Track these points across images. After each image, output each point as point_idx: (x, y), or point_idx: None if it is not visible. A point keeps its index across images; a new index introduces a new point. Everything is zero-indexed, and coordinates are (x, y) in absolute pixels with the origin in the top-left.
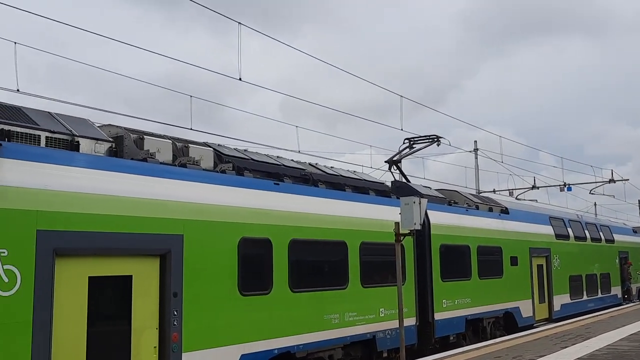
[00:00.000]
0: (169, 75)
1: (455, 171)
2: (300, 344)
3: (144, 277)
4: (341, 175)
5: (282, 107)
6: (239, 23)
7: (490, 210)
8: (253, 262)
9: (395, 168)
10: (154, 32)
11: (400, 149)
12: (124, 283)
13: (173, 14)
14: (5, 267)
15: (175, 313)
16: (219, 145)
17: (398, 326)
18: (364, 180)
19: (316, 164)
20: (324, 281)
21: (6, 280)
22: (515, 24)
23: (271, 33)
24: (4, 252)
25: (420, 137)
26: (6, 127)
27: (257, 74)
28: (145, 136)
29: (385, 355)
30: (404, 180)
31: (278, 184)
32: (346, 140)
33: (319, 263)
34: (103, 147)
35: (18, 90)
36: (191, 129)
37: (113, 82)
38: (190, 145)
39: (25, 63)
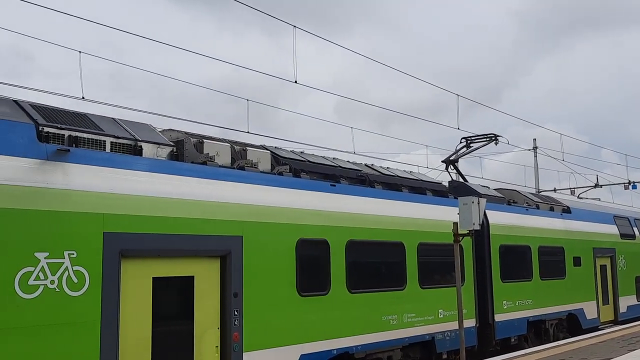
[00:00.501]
0: (223, 79)
1: (513, 170)
2: (359, 345)
3: (205, 277)
4: (397, 176)
5: (336, 108)
6: (294, 26)
7: (552, 209)
8: (311, 263)
9: (452, 168)
10: (207, 36)
11: (457, 148)
12: (186, 283)
13: (225, 17)
14: (75, 268)
15: (236, 313)
16: (275, 147)
17: (457, 327)
18: (421, 180)
19: (372, 164)
20: (382, 282)
21: (75, 280)
22: (569, 19)
23: (322, 34)
24: (73, 254)
25: (478, 136)
26: (74, 134)
27: (311, 76)
28: (204, 140)
29: (444, 356)
30: (461, 180)
31: (334, 185)
32: (400, 141)
33: (376, 264)
34: (165, 151)
35: (83, 97)
36: (248, 132)
37: (170, 87)
38: (248, 148)
39: (89, 71)
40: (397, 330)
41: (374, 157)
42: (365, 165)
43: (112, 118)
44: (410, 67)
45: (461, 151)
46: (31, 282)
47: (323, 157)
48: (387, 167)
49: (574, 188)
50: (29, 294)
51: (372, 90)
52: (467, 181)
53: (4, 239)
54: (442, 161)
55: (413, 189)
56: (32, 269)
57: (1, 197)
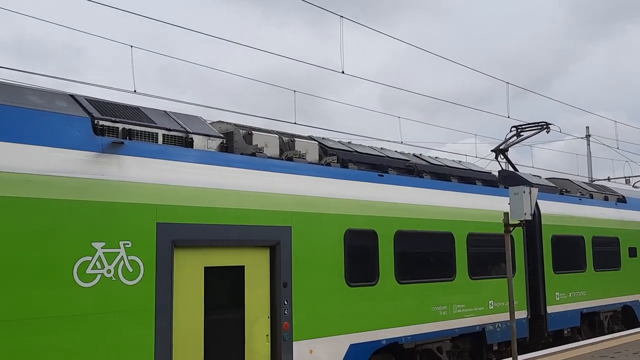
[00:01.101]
0: (267, 71)
1: (564, 159)
2: (408, 335)
3: (255, 267)
4: (446, 166)
5: (381, 98)
6: (341, 16)
7: (606, 199)
8: (359, 253)
9: (502, 157)
10: (252, 28)
11: (507, 137)
12: (237, 273)
13: (269, 8)
14: (130, 257)
15: (286, 302)
16: (323, 138)
17: (509, 319)
18: (470, 170)
19: (420, 154)
20: (431, 273)
21: (131, 270)
22: (623, 2)
23: (368, 23)
24: (128, 244)
25: (529, 124)
26: (127, 127)
27: (356, 66)
28: (253, 131)
29: (495, 348)
30: (511, 169)
31: (382, 176)
32: (447, 130)
33: (425, 254)
34: (215, 143)
35: (135, 91)
36: (295, 122)
37: (217, 80)
38: (295, 139)
39: (139, 65)
40: (446, 321)
41: (421, 147)
42: (413, 155)
43: (164, 111)
44: (457, 55)
45: (511, 140)
46: (89, 271)
47: (370, 147)
48: (436, 157)
49: (629, 177)
50: (87, 282)
51: (418, 80)
52: (517, 170)
53: (64, 229)
54: (492, 150)
55: (462, 178)
56: (89, 258)
57: (60, 188)
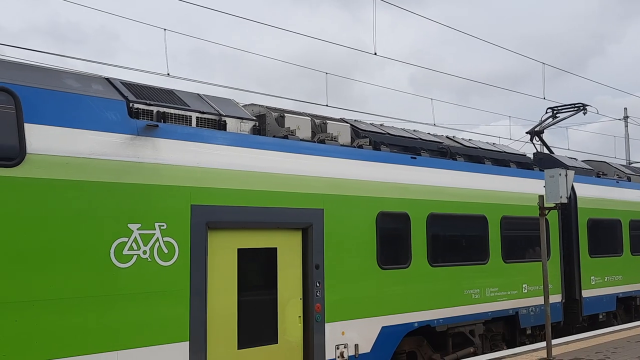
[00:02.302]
0: (299, 53)
1: (601, 141)
2: (440, 318)
3: (288, 249)
4: (480, 148)
5: (412, 80)
6: None
7: None
8: (391, 236)
9: (537, 139)
10: (283, 10)
11: (542, 118)
12: (270, 255)
13: None
14: (165, 239)
15: (318, 284)
16: (355, 120)
17: (543, 303)
18: (504, 152)
19: (453, 136)
20: (464, 256)
21: (166, 251)
22: None
23: (400, 3)
24: (164, 226)
25: (565, 105)
26: (162, 110)
27: (388, 48)
28: (285, 114)
29: (529, 332)
30: (546, 151)
31: (415, 158)
32: (480, 112)
33: (458, 237)
34: (247, 126)
35: (168, 74)
36: (327, 105)
37: (247, 63)
38: (327, 121)
39: (171, 48)
40: (479, 304)
41: (453, 129)
42: (447, 137)
43: (197, 94)
44: (488, 36)
45: (547, 122)
46: (125, 252)
47: (403, 129)
48: (469, 139)
49: None
50: (124, 263)
51: (450, 61)
52: (553, 153)
53: (101, 211)
54: (527, 132)
55: (496, 161)
56: (126, 239)
57: (97, 171)
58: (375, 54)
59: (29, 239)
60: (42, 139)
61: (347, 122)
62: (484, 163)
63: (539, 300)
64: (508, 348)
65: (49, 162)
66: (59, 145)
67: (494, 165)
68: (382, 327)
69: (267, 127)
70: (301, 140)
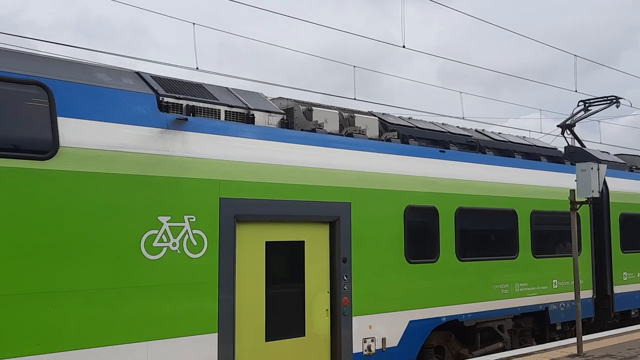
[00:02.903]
0: (326, 47)
1: (634, 134)
2: (469, 313)
3: (315, 242)
4: (510, 141)
5: (440, 73)
6: None
7: None
8: (419, 230)
9: (569, 132)
10: (309, 4)
11: (574, 112)
12: (297, 248)
13: None
14: (194, 231)
15: (345, 278)
16: (383, 114)
17: (573, 299)
18: (535, 145)
19: (483, 130)
20: (493, 250)
21: (195, 243)
22: None
23: None
24: (193, 218)
25: (597, 98)
26: (191, 103)
27: (416, 41)
28: (313, 107)
29: (559, 328)
30: (578, 145)
31: (444, 152)
32: (509, 106)
33: (487, 232)
34: (275, 119)
35: (197, 68)
36: (355, 98)
37: (275, 56)
38: (355, 114)
39: (199, 42)
40: (508, 299)
41: (483, 122)
42: (476, 130)
43: (226, 87)
44: (517, 29)
45: (578, 115)
46: (155, 244)
47: (431, 122)
48: (499, 133)
49: None
50: (154, 255)
51: (478, 54)
52: (584, 146)
53: (131, 203)
54: (558, 125)
55: (526, 154)
56: (156, 231)
57: (128, 164)
58: (403, 46)
59: (62, 231)
60: (75, 132)
61: (375, 116)
62: (514, 157)
63: (570, 296)
64: (537, 344)
65: (81, 155)
66: (90, 138)
67: (524, 159)
68: (410, 322)
69: (295, 120)
70: (329, 133)
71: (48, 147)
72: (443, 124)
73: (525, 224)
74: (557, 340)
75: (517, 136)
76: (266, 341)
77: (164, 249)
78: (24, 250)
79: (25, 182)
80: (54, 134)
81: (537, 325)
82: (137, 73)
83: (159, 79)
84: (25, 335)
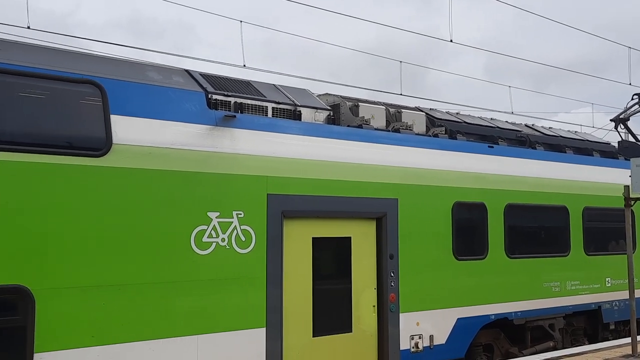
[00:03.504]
0: (370, 43)
1: None
2: (518, 311)
3: (362, 239)
4: (561, 136)
5: (487, 67)
6: None
7: None
8: (467, 226)
9: (622, 127)
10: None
11: (628, 105)
12: (344, 244)
13: None
14: (242, 227)
15: (392, 274)
16: (430, 109)
17: (627, 297)
18: (587, 140)
19: (532, 124)
20: (543, 248)
21: (243, 239)
22: None
23: None
24: (241, 214)
25: None
26: (239, 100)
27: (462, 35)
28: (359, 103)
29: (612, 327)
30: (632, 139)
31: (492, 147)
32: (558, 100)
33: (537, 229)
34: (322, 116)
35: (244, 65)
36: (401, 94)
37: (320, 53)
38: (402, 110)
39: (245, 40)
40: (559, 297)
41: (532, 117)
42: (525, 125)
43: (273, 84)
44: (569, 21)
45: (633, 108)
46: (205, 239)
47: (480, 117)
48: (549, 127)
49: None
50: (203, 250)
51: (526, 48)
52: (639, 141)
53: (181, 199)
54: (611, 120)
55: (578, 149)
56: (205, 227)
57: (178, 160)
58: (451, 41)
59: (115, 226)
60: (127, 130)
61: (422, 111)
62: (565, 152)
63: (624, 295)
64: (590, 343)
65: (133, 152)
66: (142, 135)
67: (576, 154)
68: (458, 319)
69: (342, 116)
70: (375, 129)
71: (102, 145)
72: (492, 118)
73: (577, 220)
74: (610, 340)
75: (568, 131)
76: (313, 336)
77: (213, 244)
78: (79, 245)
79: (80, 178)
80: (107, 132)
81: (589, 324)
82: (187, 71)
83: (207, 77)
84: (81, 328)
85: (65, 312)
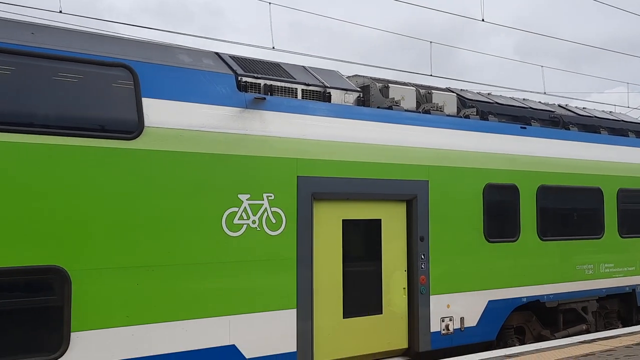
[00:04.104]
0: (399, 24)
1: None
2: (551, 294)
3: (392, 221)
4: (595, 117)
5: (518, 47)
6: None
7: None
8: (499, 208)
9: None
10: None
11: None
12: (374, 226)
13: None
14: (273, 209)
15: (423, 257)
16: (461, 90)
17: None
18: (622, 121)
19: (566, 105)
20: (576, 230)
21: (274, 221)
22: None
23: None
24: (271, 196)
25: None
26: (268, 82)
27: (493, 15)
28: (389, 84)
29: None
30: None
31: (525, 128)
32: (591, 79)
33: (570, 211)
34: (352, 97)
35: (273, 47)
36: (431, 75)
37: (349, 34)
38: (433, 91)
39: (274, 22)
40: (593, 280)
41: (564, 97)
42: (559, 105)
43: (303, 66)
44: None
45: None
46: (236, 221)
47: (512, 98)
48: (583, 108)
49: None
50: (234, 232)
51: (558, 27)
52: None
53: (213, 181)
54: None
55: (613, 130)
56: (236, 209)
57: (209, 143)
58: (482, 20)
59: (147, 208)
60: (158, 113)
61: (453, 92)
62: (600, 133)
63: None
64: (624, 327)
65: (164, 134)
66: (173, 118)
67: (611, 135)
68: (489, 301)
69: (371, 98)
70: (406, 110)
71: (134, 127)
72: (524, 99)
73: (612, 202)
74: None
75: (602, 111)
76: (344, 318)
77: (244, 226)
78: (112, 226)
79: (112, 161)
80: (139, 115)
81: (623, 307)
82: (217, 54)
83: (237, 59)
84: (116, 307)
85: (101, 292)
